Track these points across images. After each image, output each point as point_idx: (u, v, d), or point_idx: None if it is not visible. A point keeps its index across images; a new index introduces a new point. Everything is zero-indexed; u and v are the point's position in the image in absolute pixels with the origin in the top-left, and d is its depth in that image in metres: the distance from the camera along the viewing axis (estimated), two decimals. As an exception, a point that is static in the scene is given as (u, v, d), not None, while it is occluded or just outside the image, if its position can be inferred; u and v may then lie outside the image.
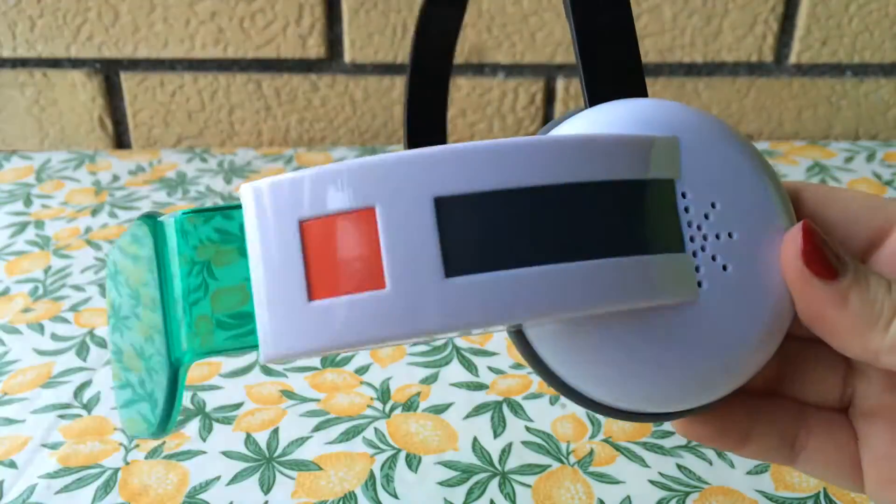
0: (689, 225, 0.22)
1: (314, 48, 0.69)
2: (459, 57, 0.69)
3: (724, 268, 0.23)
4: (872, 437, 0.25)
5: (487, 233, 0.20)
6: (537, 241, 0.20)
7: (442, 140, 0.37)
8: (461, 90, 0.71)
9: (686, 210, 0.22)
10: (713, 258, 0.23)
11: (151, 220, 0.22)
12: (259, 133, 0.72)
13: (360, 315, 0.20)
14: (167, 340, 0.22)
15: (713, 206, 0.23)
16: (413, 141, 0.37)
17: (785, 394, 0.27)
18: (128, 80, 0.70)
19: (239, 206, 0.22)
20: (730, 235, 0.23)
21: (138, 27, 0.68)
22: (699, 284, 0.22)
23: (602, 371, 0.23)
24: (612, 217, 0.21)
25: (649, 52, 0.70)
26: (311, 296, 0.20)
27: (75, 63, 0.70)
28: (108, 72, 0.70)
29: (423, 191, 0.20)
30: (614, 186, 0.21)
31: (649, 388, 0.23)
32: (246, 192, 0.21)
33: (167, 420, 0.22)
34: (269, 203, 0.21)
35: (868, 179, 0.65)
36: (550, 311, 0.20)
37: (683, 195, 0.22)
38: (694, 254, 0.22)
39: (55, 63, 0.70)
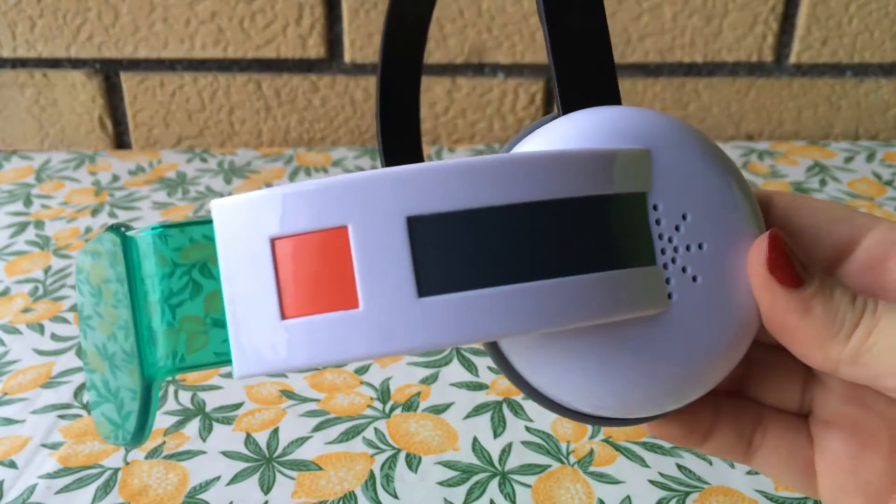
0: (661, 237, 0.23)
1: (314, 48, 0.69)
2: (459, 57, 0.70)
3: (694, 279, 0.23)
4: (828, 445, 0.26)
5: (460, 252, 0.20)
6: (510, 259, 0.20)
7: (415, 137, 0.37)
8: (461, 90, 0.71)
9: (657, 222, 0.23)
10: (683, 270, 0.23)
11: (120, 234, 0.22)
12: (259, 133, 0.72)
13: (333, 334, 0.20)
14: (140, 356, 0.22)
15: (684, 217, 0.23)
16: (386, 140, 0.37)
17: (746, 394, 0.27)
18: (128, 81, 0.70)
19: (210, 221, 0.21)
20: (700, 247, 0.23)
21: (138, 27, 0.68)
22: (669, 296, 0.23)
23: (574, 379, 0.23)
24: (583, 233, 0.21)
25: (649, 52, 0.70)
26: (283, 314, 0.20)
27: (75, 63, 0.70)
28: (108, 72, 0.70)
29: (395, 210, 0.20)
30: (585, 202, 0.21)
31: (621, 395, 0.23)
32: (217, 208, 0.21)
33: (140, 433, 0.22)
34: (240, 220, 0.21)
35: (868, 179, 0.65)
36: (522, 329, 0.20)
37: (655, 207, 0.22)
38: (665, 266, 0.23)
39: (55, 63, 0.70)
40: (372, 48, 0.69)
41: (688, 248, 0.23)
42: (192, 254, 0.22)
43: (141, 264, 0.22)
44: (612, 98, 0.24)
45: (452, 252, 0.20)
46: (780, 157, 0.69)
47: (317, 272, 0.20)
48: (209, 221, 0.21)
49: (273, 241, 0.20)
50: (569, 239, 0.21)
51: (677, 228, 0.23)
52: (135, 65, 0.70)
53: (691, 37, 0.69)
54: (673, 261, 0.23)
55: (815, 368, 0.24)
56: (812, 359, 0.23)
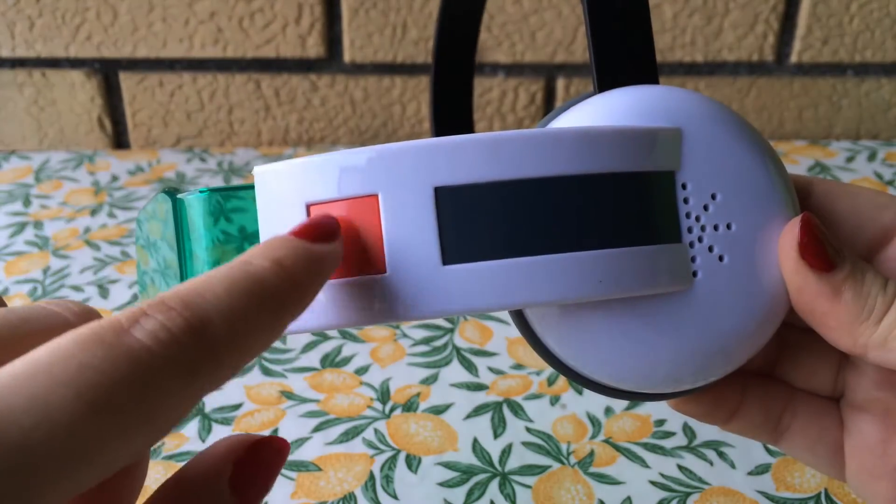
0: (688, 216, 0.23)
1: (313, 48, 0.69)
2: (459, 56, 0.69)
3: (721, 258, 0.23)
4: (859, 429, 0.26)
5: (485, 223, 0.21)
6: (533, 231, 0.21)
7: (468, 124, 0.37)
8: (461, 90, 0.70)
9: (685, 201, 0.23)
10: (710, 249, 0.23)
11: (172, 196, 0.23)
12: (258, 133, 0.72)
13: (360, 297, 0.21)
14: None
15: (713, 197, 0.23)
16: (440, 128, 0.37)
17: (777, 376, 0.27)
18: (127, 80, 0.70)
19: (253, 186, 0.22)
20: (728, 227, 0.23)
21: (137, 27, 0.68)
22: (695, 274, 0.23)
23: (598, 351, 0.23)
24: (608, 209, 0.21)
25: (650, 51, 0.69)
26: None
27: (74, 63, 0.70)
28: (107, 71, 0.70)
29: (423, 180, 0.21)
30: (611, 179, 0.21)
31: (643, 370, 0.23)
32: (258, 173, 0.22)
33: None
34: (279, 185, 0.22)
35: (869, 179, 0.64)
36: (542, 300, 0.21)
37: (684, 186, 0.23)
38: (691, 244, 0.23)
39: (54, 63, 0.70)
40: (371, 48, 0.69)
41: (715, 227, 0.23)
42: (213, 252, 0.23)
43: (188, 224, 0.23)
44: (649, 77, 0.24)
45: (478, 222, 0.21)
46: (780, 156, 0.68)
47: (348, 237, 0.21)
48: (252, 186, 0.22)
49: (308, 206, 0.21)
50: (592, 214, 0.21)
51: (706, 208, 0.23)
52: (134, 64, 0.70)
53: (692, 36, 0.69)
54: (700, 239, 0.23)
55: (846, 352, 0.24)
56: (841, 343, 0.23)
